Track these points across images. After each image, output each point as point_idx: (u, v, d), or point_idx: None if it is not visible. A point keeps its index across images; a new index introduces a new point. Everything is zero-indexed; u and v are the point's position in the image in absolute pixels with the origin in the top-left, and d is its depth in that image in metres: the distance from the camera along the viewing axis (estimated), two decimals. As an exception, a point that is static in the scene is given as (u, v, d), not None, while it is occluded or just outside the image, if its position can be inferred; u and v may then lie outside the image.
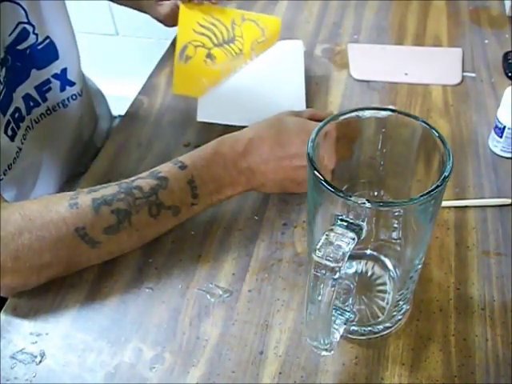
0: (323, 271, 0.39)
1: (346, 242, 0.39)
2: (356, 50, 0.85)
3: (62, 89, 0.73)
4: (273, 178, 0.59)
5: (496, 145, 0.68)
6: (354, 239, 0.39)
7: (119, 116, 0.94)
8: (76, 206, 0.52)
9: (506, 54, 0.82)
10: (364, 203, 0.39)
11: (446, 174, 0.40)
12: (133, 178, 0.55)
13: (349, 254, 0.39)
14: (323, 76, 0.81)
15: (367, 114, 0.47)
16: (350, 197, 0.39)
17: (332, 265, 0.38)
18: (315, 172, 0.41)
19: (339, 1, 0.96)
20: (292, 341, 0.51)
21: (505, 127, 0.66)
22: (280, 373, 0.49)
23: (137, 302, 0.55)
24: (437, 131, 0.43)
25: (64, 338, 0.52)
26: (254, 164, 0.58)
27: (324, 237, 0.39)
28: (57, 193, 0.59)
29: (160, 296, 0.55)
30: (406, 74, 0.81)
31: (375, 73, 0.81)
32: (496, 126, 0.67)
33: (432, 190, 0.39)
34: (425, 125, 0.44)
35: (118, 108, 0.94)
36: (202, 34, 0.76)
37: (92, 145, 0.86)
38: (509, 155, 0.68)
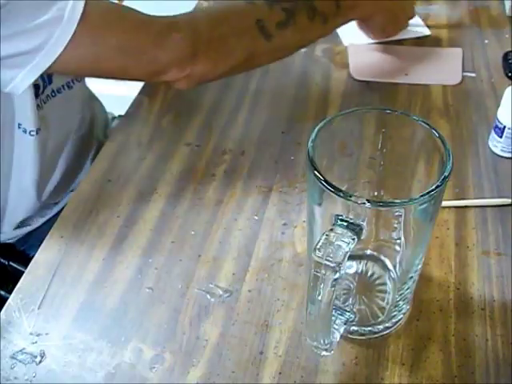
0: (323, 271, 0.39)
1: (346, 241, 0.39)
2: (356, 50, 0.85)
3: None
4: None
5: (496, 145, 0.68)
6: (354, 239, 0.39)
7: (119, 116, 0.94)
8: (252, 3, 0.64)
9: (506, 54, 0.82)
10: (364, 203, 0.39)
11: (445, 174, 0.40)
12: None
13: (349, 254, 0.39)
14: (323, 76, 0.81)
15: (367, 113, 0.47)
16: (350, 197, 0.39)
17: (332, 265, 0.38)
18: (315, 172, 0.41)
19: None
20: (292, 341, 0.51)
21: (505, 127, 0.66)
22: (280, 373, 0.49)
23: (137, 302, 0.55)
24: (437, 131, 0.43)
25: (64, 338, 0.52)
26: None
27: (324, 237, 0.39)
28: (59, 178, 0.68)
29: (160, 296, 0.55)
30: (406, 74, 0.81)
31: (375, 73, 0.81)
32: (496, 126, 0.67)
33: (432, 190, 0.39)
34: (425, 125, 0.44)
35: (118, 108, 0.93)
36: None
37: (90, 137, 0.85)
38: (509, 155, 0.68)
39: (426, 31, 0.89)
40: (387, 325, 0.51)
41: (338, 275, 0.39)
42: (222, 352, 0.51)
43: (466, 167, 0.67)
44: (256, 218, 0.62)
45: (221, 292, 0.55)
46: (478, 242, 0.59)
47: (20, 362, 0.51)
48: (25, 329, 0.53)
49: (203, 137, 0.72)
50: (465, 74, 0.81)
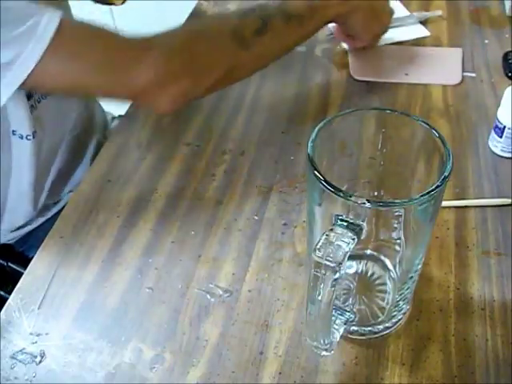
0: (323, 271, 0.39)
1: (346, 241, 0.39)
2: (356, 50, 0.85)
3: None
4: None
5: (496, 145, 0.68)
6: (354, 239, 0.39)
7: (119, 116, 0.94)
8: (227, 15, 0.67)
9: (506, 54, 0.82)
10: (364, 203, 0.39)
11: (445, 174, 0.40)
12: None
13: (349, 254, 0.39)
14: (323, 76, 0.81)
15: (367, 113, 0.47)
16: (350, 197, 0.39)
17: (332, 265, 0.38)
18: (315, 172, 0.41)
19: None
20: (292, 341, 0.51)
21: (505, 127, 0.66)
22: (280, 373, 0.49)
23: (137, 301, 0.55)
24: (437, 131, 0.43)
25: (64, 338, 0.52)
26: None
27: (324, 237, 0.39)
28: (54, 178, 0.68)
29: (160, 296, 0.55)
30: (406, 74, 0.81)
31: (375, 73, 0.81)
32: (496, 126, 0.67)
33: (432, 190, 0.39)
34: (425, 125, 0.44)
35: (118, 108, 0.93)
36: None
37: (86, 136, 0.85)
38: (509, 155, 0.68)
39: (426, 32, 0.89)
40: (387, 325, 0.51)
41: (338, 275, 0.39)
42: (222, 352, 0.51)
43: (466, 167, 0.67)
44: (256, 217, 0.62)
45: (221, 292, 0.55)
46: (478, 241, 0.59)
47: (20, 361, 0.51)
48: (25, 329, 0.53)
49: (203, 137, 0.72)
50: (465, 74, 0.81)
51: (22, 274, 0.58)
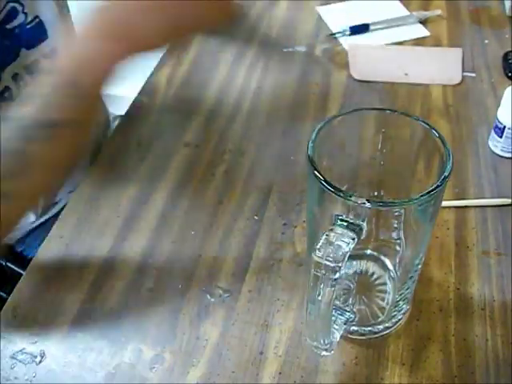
0: (323, 271, 0.39)
1: (346, 241, 0.39)
2: (356, 50, 0.85)
3: None
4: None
5: (496, 145, 0.68)
6: (354, 239, 0.39)
7: (119, 116, 0.94)
8: None
9: (506, 54, 0.82)
10: (364, 203, 0.39)
11: (446, 174, 0.40)
12: None
13: (349, 253, 0.39)
14: (323, 76, 0.81)
15: (367, 114, 0.47)
16: (350, 197, 0.39)
17: (332, 265, 0.38)
18: (315, 172, 0.41)
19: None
20: (292, 341, 0.51)
21: (505, 127, 0.66)
22: (280, 373, 0.49)
23: (137, 302, 0.55)
24: (437, 131, 0.43)
25: (64, 338, 0.52)
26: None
27: (324, 237, 0.39)
28: None
29: (160, 296, 0.55)
30: (406, 74, 0.81)
31: (375, 73, 0.81)
32: (496, 126, 0.67)
33: (432, 190, 0.39)
34: (425, 125, 0.44)
35: (118, 108, 0.93)
36: None
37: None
38: (509, 155, 0.68)
39: (425, 31, 0.89)
40: (387, 325, 0.51)
41: (337, 275, 0.39)
42: (222, 352, 0.51)
43: (466, 167, 0.67)
44: (256, 218, 0.62)
45: (221, 292, 0.55)
46: (478, 241, 0.59)
47: (20, 361, 0.51)
48: (25, 329, 0.53)
49: (203, 137, 0.72)
50: (465, 74, 0.81)
51: (21, 274, 0.58)
